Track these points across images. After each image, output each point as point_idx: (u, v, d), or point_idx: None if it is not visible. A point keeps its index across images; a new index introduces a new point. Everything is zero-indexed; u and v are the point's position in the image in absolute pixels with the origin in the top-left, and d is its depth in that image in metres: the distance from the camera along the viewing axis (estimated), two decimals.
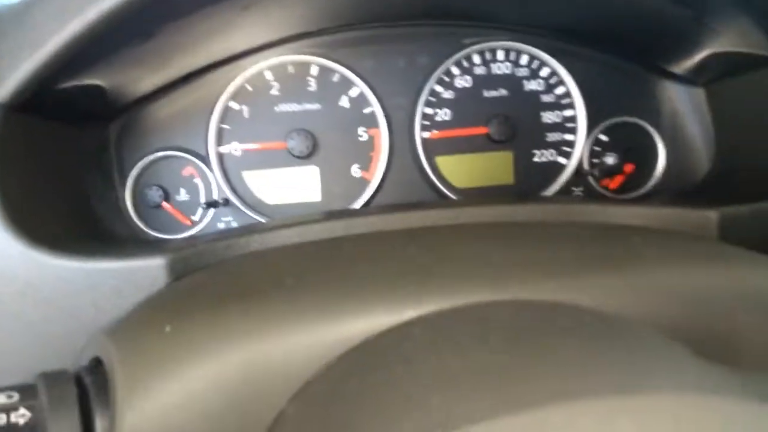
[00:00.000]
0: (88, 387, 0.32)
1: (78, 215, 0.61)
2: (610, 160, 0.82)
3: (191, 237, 0.74)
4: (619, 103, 0.82)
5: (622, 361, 0.27)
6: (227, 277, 0.44)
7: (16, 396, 0.30)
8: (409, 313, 0.34)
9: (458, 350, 0.29)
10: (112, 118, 0.72)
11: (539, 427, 0.21)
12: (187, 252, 0.49)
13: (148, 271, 0.46)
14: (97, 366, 0.34)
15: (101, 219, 0.65)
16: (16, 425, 0.29)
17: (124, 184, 0.74)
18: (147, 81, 0.69)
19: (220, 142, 0.76)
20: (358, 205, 0.78)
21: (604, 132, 0.82)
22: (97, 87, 0.61)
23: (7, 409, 0.29)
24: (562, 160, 0.82)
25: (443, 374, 0.27)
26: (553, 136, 0.82)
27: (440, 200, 0.79)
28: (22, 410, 0.30)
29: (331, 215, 0.56)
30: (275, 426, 0.31)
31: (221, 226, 0.77)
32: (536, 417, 0.21)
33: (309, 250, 0.47)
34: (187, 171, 0.76)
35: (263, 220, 0.75)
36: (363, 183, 0.79)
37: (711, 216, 0.54)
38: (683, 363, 0.28)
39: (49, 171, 0.57)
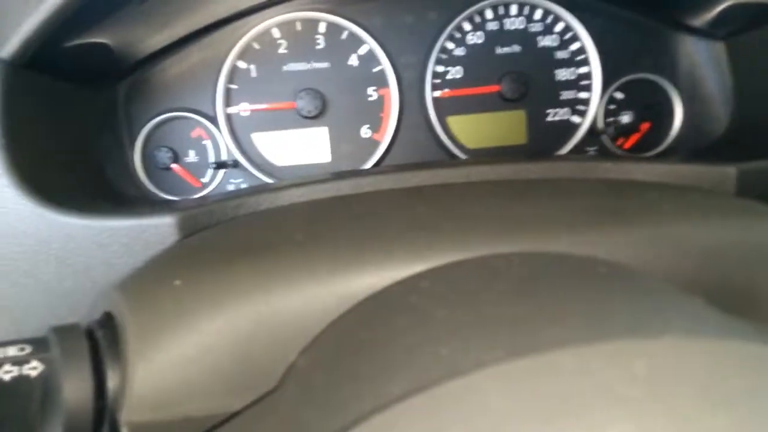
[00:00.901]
0: (99, 340, 0.32)
1: (89, 176, 0.61)
2: (625, 118, 0.80)
3: (201, 197, 0.74)
4: (635, 59, 0.80)
5: (635, 307, 0.26)
6: (237, 234, 0.43)
7: (28, 348, 0.30)
8: (419, 266, 0.34)
9: (466, 301, 0.29)
10: (120, 79, 0.72)
11: (551, 370, 0.21)
12: (197, 211, 0.48)
13: (158, 229, 0.46)
14: (108, 320, 0.34)
15: (112, 180, 0.65)
16: (28, 377, 0.30)
17: (133, 146, 0.73)
18: (153, 39, 0.68)
19: (228, 102, 0.75)
20: (368, 166, 0.78)
21: (619, 89, 0.80)
22: (103, 45, 0.60)
23: (20, 362, 0.30)
24: (576, 118, 0.80)
25: (452, 324, 0.27)
26: (567, 94, 0.80)
27: (451, 160, 0.78)
28: (35, 362, 0.30)
29: (341, 175, 0.56)
30: (286, 378, 0.31)
31: (231, 188, 0.76)
32: (547, 361, 0.21)
33: (319, 207, 0.47)
34: (196, 132, 0.75)
35: (273, 182, 0.75)
36: (373, 143, 0.78)
37: (729, 172, 0.53)
38: (698, 310, 0.27)
39: (58, 131, 0.56)
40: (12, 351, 0.30)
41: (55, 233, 0.45)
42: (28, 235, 0.45)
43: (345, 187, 0.52)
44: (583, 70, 0.79)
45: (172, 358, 0.31)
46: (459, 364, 0.23)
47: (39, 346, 0.31)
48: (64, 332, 0.32)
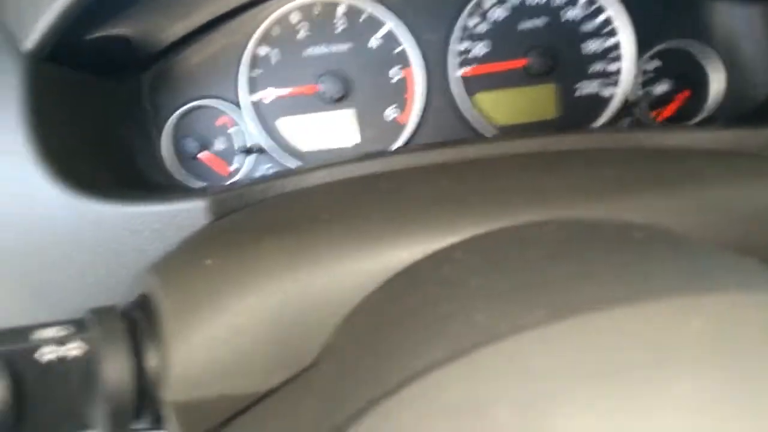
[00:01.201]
0: (137, 321, 0.32)
1: (119, 166, 0.61)
2: (660, 88, 0.78)
3: (230, 183, 0.74)
4: (668, 26, 0.77)
5: (684, 266, 0.25)
6: (267, 213, 0.43)
7: (67, 330, 0.30)
8: (450, 239, 0.33)
9: (501, 268, 0.28)
10: (144, 69, 0.72)
11: (600, 330, 0.20)
12: (226, 195, 0.48)
13: (188, 214, 0.46)
14: (144, 301, 0.34)
15: (142, 170, 0.66)
16: (68, 358, 0.30)
17: (161, 136, 0.73)
18: (173, 29, 0.68)
19: (251, 89, 0.75)
20: (394, 148, 0.77)
21: (653, 58, 0.77)
22: (123, 37, 0.60)
23: (60, 342, 0.30)
24: (607, 91, 0.78)
25: (487, 291, 0.26)
26: (596, 66, 0.77)
27: (479, 137, 0.76)
28: (74, 343, 0.30)
29: (368, 156, 0.55)
30: (322, 354, 0.31)
31: (259, 174, 0.76)
32: (595, 320, 0.20)
33: (346, 186, 0.46)
34: (222, 120, 0.75)
35: (300, 166, 0.75)
36: (398, 126, 0.77)
37: None
38: (751, 267, 0.26)
39: (85, 122, 0.57)
40: (51, 332, 0.30)
41: (88, 221, 0.46)
42: (60, 224, 0.45)
43: (372, 168, 0.52)
44: (612, 40, 0.77)
45: (208, 337, 0.31)
46: (497, 328, 0.22)
47: (78, 327, 0.31)
48: (102, 313, 0.32)
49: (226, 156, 0.76)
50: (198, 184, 0.75)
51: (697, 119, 0.77)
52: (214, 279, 0.33)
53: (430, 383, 0.21)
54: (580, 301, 0.21)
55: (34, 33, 0.47)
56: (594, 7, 0.76)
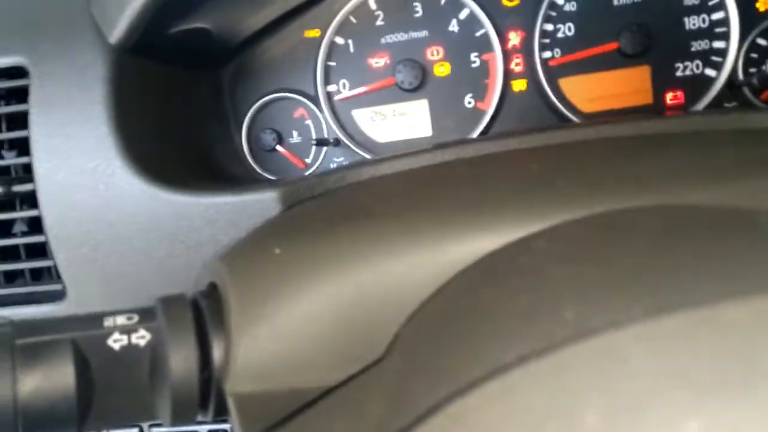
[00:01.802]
0: (203, 310, 0.31)
1: (198, 158, 0.62)
2: None
3: (303, 175, 0.74)
4: None
5: None
6: (338, 203, 0.42)
7: (136, 318, 0.30)
8: (533, 228, 0.30)
9: (594, 258, 0.25)
10: (224, 63, 0.73)
11: (717, 329, 0.16)
12: (299, 185, 0.48)
13: (261, 204, 0.46)
14: (212, 290, 0.33)
15: (220, 162, 0.67)
16: (136, 346, 0.29)
17: (240, 129, 0.74)
18: (251, 19, 0.68)
19: (327, 80, 0.74)
20: (473, 136, 0.73)
21: (762, 35, 0.69)
22: (205, 29, 0.61)
23: (128, 331, 0.30)
24: (710, 72, 0.70)
25: (576, 283, 0.23)
26: (698, 45, 0.70)
27: (568, 122, 0.72)
28: (142, 332, 0.30)
29: (445, 145, 0.53)
30: (392, 348, 0.28)
31: (333, 166, 0.75)
32: (712, 317, 0.16)
33: (422, 173, 0.44)
34: (299, 112, 0.75)
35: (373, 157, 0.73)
36: (477, 113, 0.73)
37: None
38: None
39: (167, 115, 0.58)
40: (121, 320, 0.30)
41: (166, 211, 0.46)
42: (140, 213, 0.46)
43: (448, 157, 0.49)
44: (716, 15, 0.69)
45: (274, 328, 0.29)
46: (587, 324, 0.19)
47: (147, 315, 0.31)
48: (169, 302, 0.31)
49: (303, 149, 0.75)
50: (275, 176, 0.75)
51: None
52: (283, 268, 0.32)
53: (508, 383, 0.19)
54: (689, 294, 0.18)
55: (119, 26, 0.48)
56: None
